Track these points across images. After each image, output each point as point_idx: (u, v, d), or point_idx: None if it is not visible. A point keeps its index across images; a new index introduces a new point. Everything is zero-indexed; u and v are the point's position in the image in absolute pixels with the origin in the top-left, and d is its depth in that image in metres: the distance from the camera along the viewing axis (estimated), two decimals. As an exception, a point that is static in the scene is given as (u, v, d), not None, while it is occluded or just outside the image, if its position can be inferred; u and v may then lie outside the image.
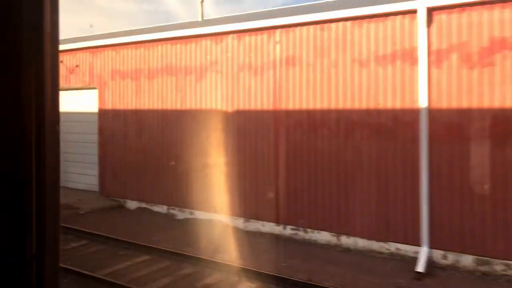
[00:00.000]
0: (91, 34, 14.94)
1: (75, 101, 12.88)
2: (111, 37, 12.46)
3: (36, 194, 0.70)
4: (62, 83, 12.91)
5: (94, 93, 12.45)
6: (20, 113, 0.67)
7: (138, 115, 11.42)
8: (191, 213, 10.39)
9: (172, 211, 10.73)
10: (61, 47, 11.95)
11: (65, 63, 12.87)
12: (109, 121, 12.07)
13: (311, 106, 8.73)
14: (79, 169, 12.86)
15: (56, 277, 0.73)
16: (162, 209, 10.92)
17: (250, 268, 6.80)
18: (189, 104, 10.50)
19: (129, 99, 11.61)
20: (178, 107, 10.69)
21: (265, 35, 9.34)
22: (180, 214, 10.57)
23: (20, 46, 0.66)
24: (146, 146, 11.24)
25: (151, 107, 11.14)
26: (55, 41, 0.73)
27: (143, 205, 11.29)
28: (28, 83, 0.67)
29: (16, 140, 0.66)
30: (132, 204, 11.51)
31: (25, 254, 0.68)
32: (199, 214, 10.21)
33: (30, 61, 0.67)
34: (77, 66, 12.76)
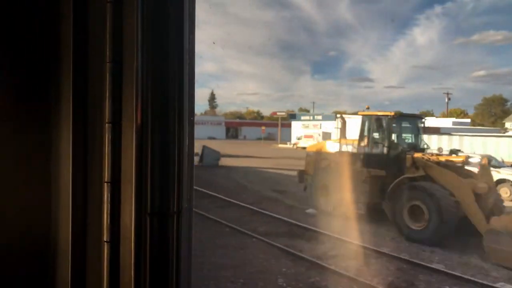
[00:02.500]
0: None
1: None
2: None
3: (177, 169, 0.95)
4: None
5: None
6: (165, 104, 0.93)
7: None
8: None
9: None
10: None
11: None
12: None
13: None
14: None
15: (190, 230, 0.98)
16: None
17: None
18: None
19: None
20: None
21: None
22: None
23: (167, 57, 0.93)
24: None
25: None
26: (192, 53, 0.98)
27: None
28: (172, 81, 0.94)
29: (166, 122, 0.93)
30: None
31: (169, 210, 0.94)
32: None
33: (173, 64, 0.94)
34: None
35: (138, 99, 0.93)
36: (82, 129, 0.99)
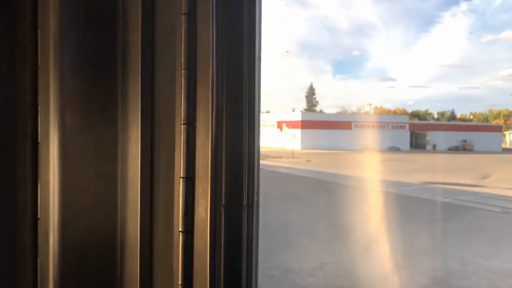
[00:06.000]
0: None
1: None
2: None
3: (248, 166, 1.05)
4: None
5: None
6: (237, 108, 1.04)
7: None
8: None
9: None
10: None
11: None
12: None
13: None
14: None
15: (257, 222, 1.08)
16: None
17: None
18: None
19: None
20: None
21: None
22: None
23: (240, 65, 1.04)
24: None
25: None
26: (259, 60, 1.09)
27: None
28: (244, 87, 1.04)
29: (238, 123, 1.05)
30: None
31: (242, 203, 1.04)
32: None
33: (245, 71, 1.05)
34: None
35: (212, 103, 1.02)
36: (152, 129, 1.08)
